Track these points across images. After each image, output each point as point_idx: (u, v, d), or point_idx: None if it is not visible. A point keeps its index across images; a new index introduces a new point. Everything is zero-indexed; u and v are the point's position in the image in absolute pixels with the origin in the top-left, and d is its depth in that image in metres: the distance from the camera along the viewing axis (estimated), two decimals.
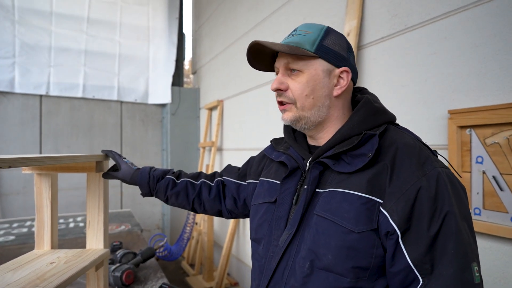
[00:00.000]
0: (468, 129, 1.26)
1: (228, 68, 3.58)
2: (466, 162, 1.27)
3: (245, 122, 3.16)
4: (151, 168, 1.10)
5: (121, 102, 4.23)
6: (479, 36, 1.26)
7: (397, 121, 0.82)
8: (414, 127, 1.49)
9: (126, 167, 1.08)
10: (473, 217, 1.25)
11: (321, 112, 0.77)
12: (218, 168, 3.76)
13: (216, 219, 3.72)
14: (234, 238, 3.18)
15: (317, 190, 0.74)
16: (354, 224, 0.65)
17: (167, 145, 4.30)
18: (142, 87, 4.31)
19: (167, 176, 1.09)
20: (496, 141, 1.17)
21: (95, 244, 1.04)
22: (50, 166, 1.00)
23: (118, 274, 1.47)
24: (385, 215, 0.64)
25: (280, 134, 2.87)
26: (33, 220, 2.86)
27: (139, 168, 1.10)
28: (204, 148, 4.02)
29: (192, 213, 3.74)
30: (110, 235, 2.40)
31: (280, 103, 0.80)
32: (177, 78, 4.49)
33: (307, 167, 0.78)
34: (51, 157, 0.78)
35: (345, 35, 1.83)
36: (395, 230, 0.63)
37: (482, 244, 1.24)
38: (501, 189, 1.16)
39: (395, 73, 1.60)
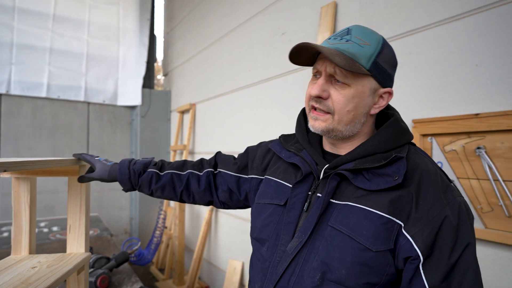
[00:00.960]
0: (430, 137, 1.39)
1: (201, 72, 3.59)
2: None
3: (218, 126, 3.19)
4: (130, 161, 1.03)
5: (88, 103, 4.10)
6: (439, 53, 1.39)
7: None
8: None
9: (100, 165, 1.02)
10: None
11: (355, 128, 0.75)
12: None
13: (187, 223, 3.70)
14: (206, 242, 3.19)
15: (331, 200, 0.73)
16: (372, 242, 0.66)
17: (137, 148, 4.22)
18: (111, 88, 4.20)
19: (149, 170, 1.03)
20: (453, 149, 1.30)
21: (76, 248, 1.04)
22: (31, 170, 0.99)
23: (92, 279, 1.45)
24: (408, 239, 0.65)
25: (252, 138, 2.94)
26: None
27: (116, 163, 1.04)
28: (175, 151, 3.99)
29: (162, 216, 3.70)
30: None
31: (314, 108, 0.77)
32: (148, 80, 4.43)
33: (321, 175, 0.77)
34: (41, 161, 0.78)
35: None
36: (419, 255, 0.64)
37: None
38: None
39: None
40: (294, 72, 2.20)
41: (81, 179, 1.01)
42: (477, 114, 1.23)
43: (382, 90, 0.75)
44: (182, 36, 4.18)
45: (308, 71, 2.08)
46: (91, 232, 2.59)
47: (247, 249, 2.64)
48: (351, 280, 0.66)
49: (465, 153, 1.26)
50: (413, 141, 1.42)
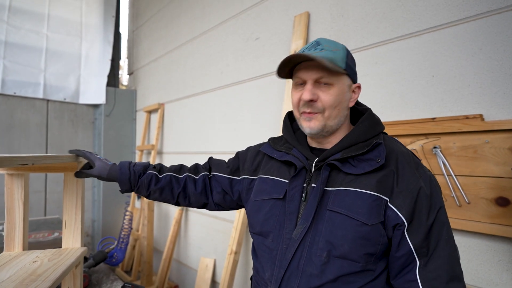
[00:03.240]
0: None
1: (171, 72, 3.59)
2: None
3: (189, 127, 3.21)
4: (130, 163, 1.08)
5: (48, 100, 3.91)
6: (401, 64, 1.57)
7: None
8: None
9: (100, 163, 1.04)
10: None
11: (341, 121, 0.89)
12: None
13: (155, 223, 3.66)
14: (176, 241, 3.20)
15: (326, 188, 0.84)
16: (367, 218, 0.78)
17: (100, 148, 4.09)
18: (72, 86, 4.04)
19: (149, 172, 1.08)
20: (414, 148, 1.48)
21: (72, 243, 1.06)
22: (28, 166, 1.00)
23: None
24: (394, 210, 0.79)
25: (224, 139, 3.00)
26: None
27: (115, 163, 1.07)
28: (142, 151, 3.93)
29: (128, 217, 3.63)
30: (45, 243, 2.25)
31: (305, 112, 0.88)
32: (113, 79, 4.31)
33: (313, 167, 0.88)
34: (43, 157, 0.81)
35: (292, 51, 2.06)
36: (404, 222, 0.78)
37: None
38: None
39: None
40: (266, 76, 2.31)
41: (79, 175, 1.02)
42: (433, 118, 1.41)
43: (354, 85, 0.91)
44: (149, 35, 4.14)
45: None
46: (56, 234, 2.50)
47: (219, 246, 2.70)
48: (353, 253, 0.78)
49: (424, 152, 1.45)
50: None
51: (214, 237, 2.79)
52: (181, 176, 1.11)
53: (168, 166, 1.16)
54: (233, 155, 1.18)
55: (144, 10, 4.26)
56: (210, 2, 2.94)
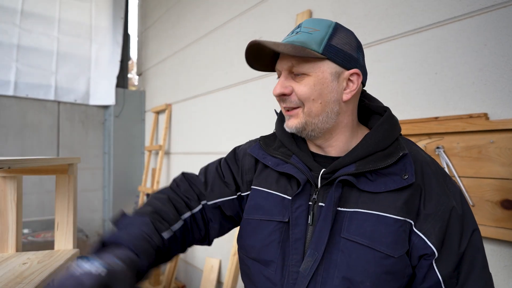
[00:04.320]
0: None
1: (177, 73, 3.61)
2: None
3: (195, 127, 3.22)
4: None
5: (59, 102, 3.99)
6: (404, 62, 1.52)
7: None
8: None
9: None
10: None
11: (330, 118, 0.71)
12: (165, 171, 3.75)
13: None
14: None
15: (338, 209, 0.68)
16: (393, 248, 0.63)
17: (110, 148, 4.15)
18: (82, 87, 4.11)
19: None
20: None
21: (64, 244, 1.06)
22: (19, 169, 1.01)
23: None
24: (421, 237, 0.65)
25: (230, 139, 3.00)
26: None
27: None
28: (150, 151, 3.97)
29: None
30: (53, 242, 2.30)
31: (286, 109, 0.74)
32: (122, 80, 4.37)
33: (319, 181, 0.71)
34: (36, 159, 0.81)
35: None
36: (434, 252, 0.64)
37: None
38: None
39: None
40: (270, 75, 2.29)
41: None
42: (436, 118, 1.36)
43: (347, 72, 0.70)
44: (156, 36, 4.17)
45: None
46: None
47: (224, 246, 2.70)
48: None
49: (427, 152, 1.40)
50: None
51: (220, 238, 2.78)
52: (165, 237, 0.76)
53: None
54: None
55: (152, 11, 4.29)
56: (215, 1, 2.93)
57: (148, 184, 3.93)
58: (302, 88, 0.69)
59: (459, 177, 1.29)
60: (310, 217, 0.70)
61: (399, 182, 0.65)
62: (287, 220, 0.72)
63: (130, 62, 4.81)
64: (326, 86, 0.69)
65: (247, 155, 0.88)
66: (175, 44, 3.67)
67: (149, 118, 4.22)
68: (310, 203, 0.71)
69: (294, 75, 0.71)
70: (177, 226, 0.79)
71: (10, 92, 3.65)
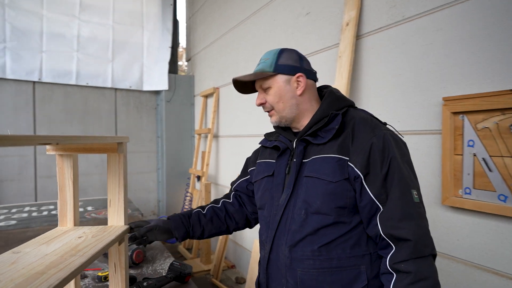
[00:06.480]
0: (461, 115, 1.36)
1: (224, 56, 3.60)
2: (458, 145, 1.37)
3: (241, 110, 3.21)
4: (176, 214, 1.24)
5: (116, 89, 4.22)
6: (469, 29, 1.34)
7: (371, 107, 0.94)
8: (410, 114, 1.58)
9: (155, 220, 1.20)
10: (464, 196, 1.35)
11: (292, 109, 1.03)
12: (214, 154, 3.82)
13: None
14: None
15: (303, 160, 0.99)
16: (332, 177, 0.91)
17: (162, 132, 4.32)
18: (136, 74, 4.29)
19: (194, 211, 1.23)
20: (486, 126, 1.27)
21: (116, 221, 1.10)
22: (73, 147, 1.05)
23: (128, 253, 1.53)
24: (352, 166, 0.91)
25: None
26: (31, 205, 2.88)
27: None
28: (199, 135, 4.06)
29: (188, 198, 3.81)
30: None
31: (266, 111, 1.07)
32: (172, 65, 4.48)
33: (294, 146, 1.03)
34: (86, 137, 0.83)
35: (344, 25, 1.90)
36: (359, 174, 0.89)
37: (472, 221, 1.35)
38: (490, 170, 1.27)
39: (392, 62, 1.68)
40: (317, 53, 2.18)
41: (138, 231, 1.15)
42: (511, 90, 1.19)
43: (294, 77, 1.02)
44: (204, 21, 4.19)
45: (333, 50, 2.06)
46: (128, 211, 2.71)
47: None
48: (324, 208, 0.92)
49: (499, 131, 1.23)
50: (443, 119, 1.39)
51: None
52: (219, 204, 1.26)
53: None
54: None
55: None
56: None
57: (198, 167, 4.04)
58: (270, 97, 1.04)
59: None
60: (287, 169, 1.03)
61: (333, 131, 0.95)
62: (271, 173, 1.07)
63: (180, 50, 4.93)
64: (283, 90, 1.03)
65: (252, 154, 1.28)
66: (221, 26, 3.65)
67: (198, 102, 4.30)
68: (289, 160, 1.04)
69: (264, 90, 1.05)
70: (210, 205, 1.27)
71: (73, 81, 3.93)
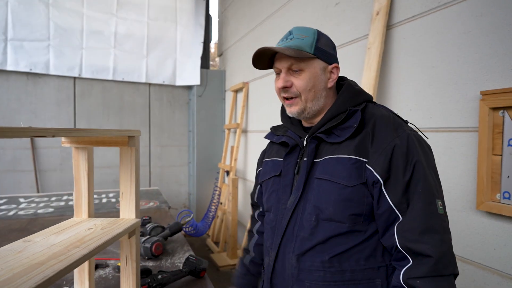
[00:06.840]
0: (501, 111, 1.22)
1: (253, 50, 3.55)
2: (498, 145, 1.23)
3: (270, 104, 3.17)
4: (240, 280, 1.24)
5: (149, 84, 4.33)
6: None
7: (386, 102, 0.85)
8: (443, 110, 1.45)
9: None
10: (503, 201, 1.22)
11: (320, 101, 0.92)
12: (242, 149, 3.82)
13: (240, 199, 3.80)
14: None
15: (315, 160, 0.90)
16: (347, 180, 0.82)
17: (194, 127, 4.39)
18: (169, 69, 4.38)
19: (249, 264, 1.21)
20: None
21: (128, 214, 1.11)
22: (87, 140, 1.06)
23: (148, 245, 1.56)
24: (370, 170, 0.81)
25: None
26: (69, 194, 3.04)
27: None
28: (229, 130, 4.07)
29: (217, 192, 3.85)
30: (140, 210, 2.53)
31: (286, 99, 0.94)
32: (204, 60, 4.53)
33: (305, 143, 0.93)
34: (87, 130, 0.83)
35: (374, 14, 1.79)
36: (379, 179, 0.80)
37: (511, 228, 1.21)
38: None
39: (426, 53, 1.55)
40: (347, 44, 2.08)
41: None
42: None
43: (330, 66, 0.92)
44: (234, 15, 4.17)
45: (363, 42, 1.95)
46: (151, 203, 2.78)
47: None
48: (338, 215, 0.83)
49: None
50: (481, 115, 1.27)
51: None
52: (255, 234, 1.21)
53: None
54: None
55: None
56: None
57: (227, 161, 4.06)
58: (300, 81, 0.90)
59: None
60: (296, 169, 0.94)
61: (351, 130, 0.85)
62: (278, 173, 0.98)
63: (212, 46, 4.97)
64: (317, 78, 0.90)
65: (260, 155, 1.20)
66: (251, 21, 3.62)
67: (229, 97, 4.31)
68: (298, 159, 0.94)
69: (293, 72, 0.90)
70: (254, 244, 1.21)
71: (110, 77, 4.10)
